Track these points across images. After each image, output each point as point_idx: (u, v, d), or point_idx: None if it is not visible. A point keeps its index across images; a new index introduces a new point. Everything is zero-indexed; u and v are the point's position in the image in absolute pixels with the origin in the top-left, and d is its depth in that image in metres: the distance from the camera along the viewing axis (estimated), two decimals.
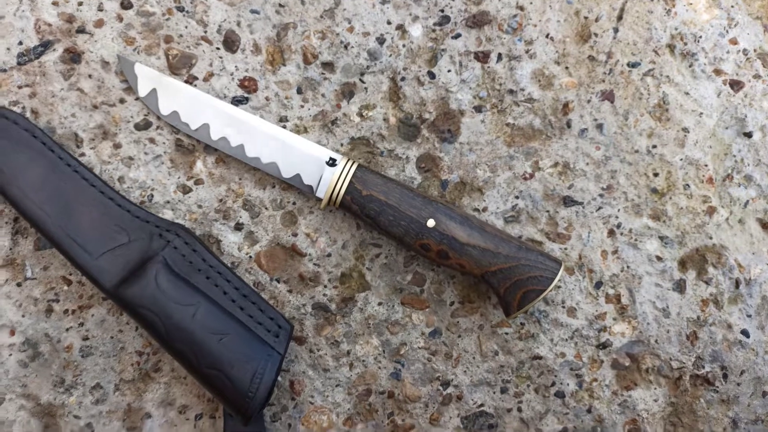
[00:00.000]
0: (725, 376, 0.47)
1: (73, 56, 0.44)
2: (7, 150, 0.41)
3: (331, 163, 0.42)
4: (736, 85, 0.48)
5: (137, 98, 0.44)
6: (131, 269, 0.41)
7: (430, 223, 0.41)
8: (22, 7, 0.44)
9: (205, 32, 0.45)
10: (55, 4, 0.44)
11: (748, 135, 0.48)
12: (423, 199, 0.42)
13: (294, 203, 0.45)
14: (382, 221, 0.41)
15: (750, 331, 0.47)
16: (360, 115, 0.46)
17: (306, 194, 0.45)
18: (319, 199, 0.44)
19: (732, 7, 0.48)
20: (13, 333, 0.44)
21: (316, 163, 0.43)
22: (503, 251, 0.41)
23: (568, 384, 0.46)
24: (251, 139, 0.43)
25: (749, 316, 0.47)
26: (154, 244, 0.41)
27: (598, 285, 0.47)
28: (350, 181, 0.42)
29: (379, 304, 0.46)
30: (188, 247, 0.42)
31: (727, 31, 0.48)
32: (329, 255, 0.45)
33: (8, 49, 0.44)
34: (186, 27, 0.45)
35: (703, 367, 0.47)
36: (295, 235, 0.45)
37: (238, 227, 0.45)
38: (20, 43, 0.44)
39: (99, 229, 0.41)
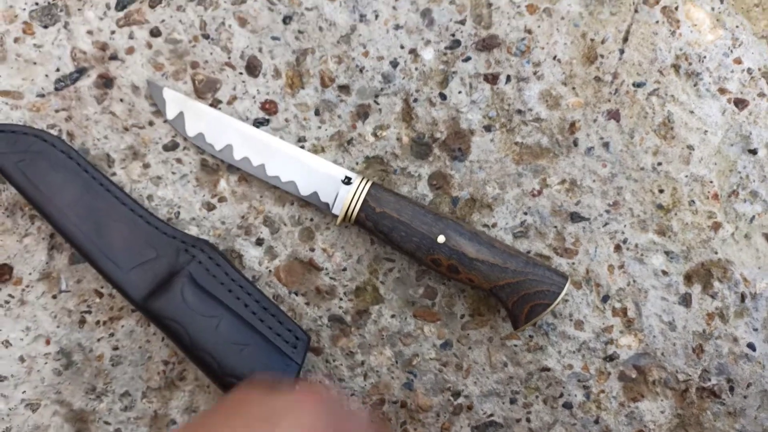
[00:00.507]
0: (732, 389, 0.48)
1: (106, 81, 0.47)
2: (45, 171, 0.44)
3: (347, 181, 0.45)
4: (740, 103, 0.49)
5: (165, 121, 0.47)
6: (159, 283, 0.43)
7: (441, 239, 0.43)
8: (59, 37, 0.47)
9: (229, 58, 0.48)
10: (89, 33, 0.47)
11: (753, 152, 0.49)
12: (434, 216, 0.44)
13: (311, 219, 0.48)
14: (395, 237, 0.43)
15: (756, 345, 0.48)
16: (374, 135, 0.48)
17: (323, 211, 0.47)
18: (335, 216, 0.47)
19: (737, 27, 0.50)
20: (48, 342, 0.46)
21: (333, 181, 0.45)
22: (511, 266, 0.43)
23: (575, 395, 0.48)
24: (271, 159, 0.45)
25: (755, 329, 0.48)
26: (180, 259, 0.44)
27: (605, 299, 0.48)
28: (365, 199, 0.44)
29: (392, 316, 0.48)
30: (212, 261, 0.44)
31: (732, 51, 0.49)
32: (344, 269, 0.48)
33: (46, 75, 0.47)
34: (211, 53, 0.48)
35: (710, 380, 0.48)
36: (312, 250, 0.48)
37: (259, 242, 0.47)
38: (57, 69, 0.47)
39: (129, 245, 0.44)
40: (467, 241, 0.43)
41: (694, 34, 0.49)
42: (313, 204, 0.46)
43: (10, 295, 0.46)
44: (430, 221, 0.44)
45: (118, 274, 0.43)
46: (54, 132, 0.47)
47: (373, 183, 0.44)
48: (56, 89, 0.47)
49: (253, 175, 0.46)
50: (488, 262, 0.43)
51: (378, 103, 0.48)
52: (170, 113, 0.46)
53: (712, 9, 0.49)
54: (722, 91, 0.49)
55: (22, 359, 0.46)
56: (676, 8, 0.49)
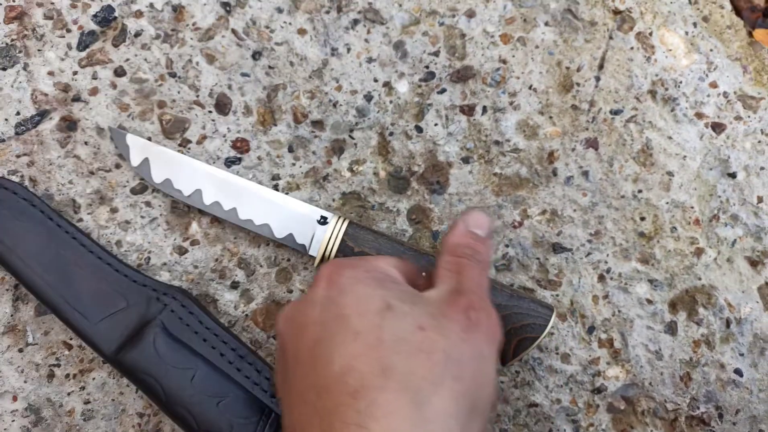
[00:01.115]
0: (720, 416, 0.48)
1: (69, 124, 0.46)
2: (7, 219, 0.42)
3: (323, 221, 0.43)
4: (717, 127, 0.49)
5: (130, 168, 0.45)
6: (129, 334, 0.41)
7: (425, 276, 0.42)
8: (19, 79, 0.45)
9: (197, 96, 0.46)
10: (51, 74, 0.46)
11: (732, 175, 0.49)
12: (414, 253, 0.43)
13: (288, 260, 0.46)
14: None
15: (743, 370, 0.48)
16: (350, 170, 0.47)
17: (300, 252, 0.46)
18: (313, 257, 0.45)
19: (711, 50, 0.49)
20: (15, 399, 0.44)
21: (308, 222, 0.43)
22: (495, 300, 0.42)
23: (564, 430, 0.47)
24: (243, 202, 0.44)
25: (741, 354, 0.48)
26: (152, 309, 0.42)
27: (591, 330, 0.47)
28: (342, 239, 0.42)
29: None
30: (185, 309, 0.42)
31: (707, 75, 0.49)
32: None
33: (6, 119, 0.45)
34: (179, 92, 0.46)
35: (698, 408, 0.47)
36: (290, 291, 0.46)
37: (234, 286, 0.46)
38: (18, 113, 0.45)
39: (98, 295, 0.42)
40: None
41: (669, 59, 0.49)
42: (289, 246, 0.45)
43: None
44: (411, 258, 0.42)
45: (87, 327, 0.42)
46: (16, 178, 0.45)
47: (350, 222, 0.43)
48: (17, 134, 0.45)
49: (226, 220, 0.45)
50: None
51: (353, 138, 0.47)
52: (135, 160, 0.44)
53: (686, 33, 0.49)
54: (699, 115, 0.49)
55: None
56: (650, 34, 0.48)
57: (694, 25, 0.49)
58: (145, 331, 0.41)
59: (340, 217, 0.43)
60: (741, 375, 0.48)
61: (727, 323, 0.48)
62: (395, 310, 0.31)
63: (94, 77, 0.46)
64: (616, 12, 0.48)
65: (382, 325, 0.31)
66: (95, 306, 0.42)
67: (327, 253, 0.42)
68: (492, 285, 0.42)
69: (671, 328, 0.48)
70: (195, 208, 0.46)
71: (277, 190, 0.46)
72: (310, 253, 0.43)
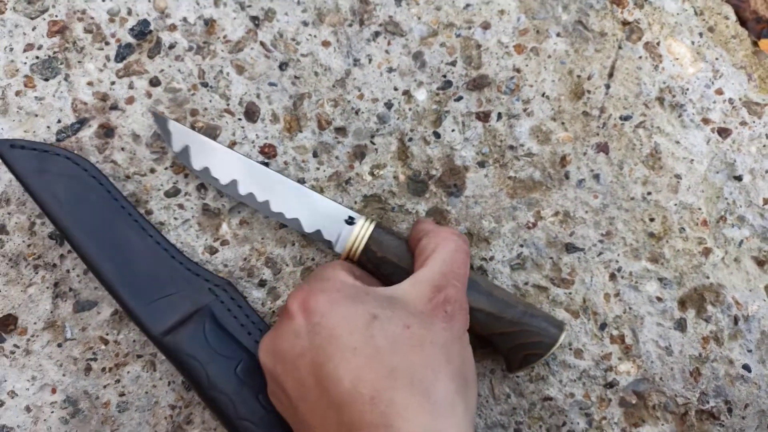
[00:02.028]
0: (730, 411, 0.49)
1: (107, 131, 0.48)
2: (76, 195, 0.44)
3: (350, 221, 0.45)
4: (723, 132, 0.51)
5: (171, 153, 0.47)
6: (180, 318, 0.43)
7: None
8: (60, 89, 0.48)
9: (228, 105, 0.49)
10: (90, 84, 0.48)
11: (738, 178, 0.51)
12: None
13: (313, 259, 0.48)
14: (395, 281, 0.44)
15: (751, 366, 0.49)
16: (371, 174, 0.49)
17: (324, 250, 0.48)
18: (338, 254, 0.47)
19: (716, 59, 0.52)
20: (54, 391, 0.47)
21: (336, 220, 0.46)
22: (507, 316, 0.44)
23: (578, 423, 0.49)
24: (276, 196, 0.46)
25: (750, 351, 0.49)
26: (203, 297, 0.44)
27: (603, 327, 0.49)
28: (366, 243, 0.44)
29: None
30: (234, 302, 0.45)
31: (713, 83, 0.51)
32: None
33: (48, 127, 0.48)
34: (210, 101, 0.49)
35: (708, 402, 0.49)
36: None
37: (262, 284, 0.48)
38: (59, 121, 0.48)
39: (153, 277, 0.44)
40: (466, 290, 0.43)
41: (676, 67, 0.51)
42: (316, 241, 0.47)
43: (15, 345, 0.47)
44: None
45: (139, 306, 0.43)
46: None
47: (376, 225, 0.45)
48: (58, 140, 0.48)
49: (258, 213, 0.47)
50: (485, 312, 0.43)
51: (374, 144, 0.49)
52: (176, 146, 0.46)
53: (692, 43, 0.51)
54: (706, 121, 0.51)
55: (28, 409, 0.47)
56: (658, 44, 0.51)
57: (700, 35, 0.51)
58: (195, 317, 0.43)
59: (367, 220, 0.45)
60: (749, 370, 0.49)
61: (735, 320, 0.50)
62: (380, 317, 0.35)
63: (131, 87, 0.49)
64: (625, 23, 0.51)
65: (373, 334, 0.34)
66: (149, 287, 0.44)
67: (352, 253, 0.44)
68: (507, 300, 0.44)
69: (681, 325, 0.49)
70: (225, 209, 0.48)
71: None
72: (336, 249, 0.46)
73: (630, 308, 0.49)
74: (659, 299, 0.49)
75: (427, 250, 0.40)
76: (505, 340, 0.44)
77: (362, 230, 0.44)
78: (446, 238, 0.41)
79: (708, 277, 0.50)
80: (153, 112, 0.47)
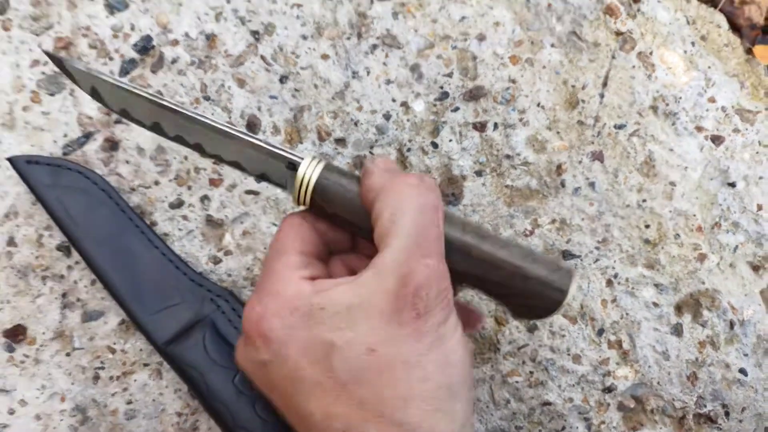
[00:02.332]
0: (727, 414, 0.50)
1: (112, 145, 0.49)
2: (86, 207, 0.46)
3: (291, 166, 0.37)
4: (717, 139, 0.52)
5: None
6: (182, 328, 0.45)
7: None
8: (66, 103, 0.50)
9: (230, 117, 0.50)
10: None
11: (732, 185, 0.51)
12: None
13: None
14: (363, 238, 0.36)
15: (748, 370, 0.50)
16: None
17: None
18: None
19: (709, 67, 0.52)
20: (63, 400, 0.48)
21: (276, 165, 0.37)
22: (505, 264, 0.35)
23: (577, 427, 0.49)
24: (206, 138, 0.38)
25: (746, 355, 0.50)
26: (205, 308, 0.45)
27: (600, 332, 0.50)
28: (312, 194, 0.36)
29: None
30: (234, 312, 0.46)
31: (706, 91, 0.52)
32: None
33: (54, 141, 0.49)
34: (213, 113, 0.50)
35: (705, 406, 0.50)
36: None
37: None
38: (65, 135, 0.49)
39: (157, 288, 0.46)
40: (469, 239, 0.35)
41: (669, 76, 0.52)
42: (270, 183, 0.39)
43: (25, 355, 0.48)
44: None
45: (144, 316, 0.45)
46: None
47: (324, 168, 0.36)
48: (64, 154, 0.49)
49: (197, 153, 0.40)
50: (477, 259, 0.35)
51: (373, 154, 0.50)
52: (86, 87, 0.39)
53: (685, 52, 0.52)
54: (699, 128, 0.51)
55: (38, 417, 0.48)
56: (651, 53, 0.52)
57: (693, 44, 0.52)
58: (197, 327, 0.45)
59: (313, 161, 0.36)
60: (746, 374, 0.50)
61: (731, 325, 0.50)
62: (337, 344, 0.31)
63: None
64: (618, 33, 0.52)
65: (334, 367, 0.31)
66: (154, 298, 0.45)
67: (301, 202, 0.36)
68: (501, 245, 0.35)
69: (677, 330, 0.50)
70: (228, 219, 0.49)
71: None
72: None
73: (627, 314, 0.50)
74: (656, 305, 0.50)
75: (384, 220, 0.32)
76: (503, 292, 0.36)
77: (306, 179, 0.35)
78: (404, 196, 0.32)
79: (703, 283, 0.51)
80: (47, 53, 0.40)
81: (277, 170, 0.37)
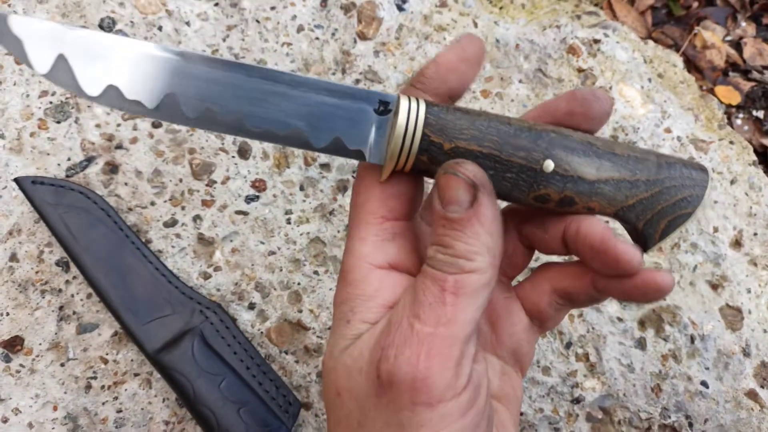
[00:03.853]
0: (690, 425, 0.52)
1: (112, 168, 0.53)
2: (86, 225, 0.50)
3: (383, 110, 0.29)
4: None
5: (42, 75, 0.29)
6: (172, 337, 0.48)
7: (548, 165, 0.30)
8: (71, 130, 0.54)
9: (223, 144, 0.54)
10: (97, 126, 0.54)
11: None
12: (531, 133, 0.31)
13: (299, 284, 0.53)
14: None
15: (709, 382, 0.53)
16: None
17: (309, 275, 0.52)
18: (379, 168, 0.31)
19: (665, 101, 0.57)
20: (56, 408, 0.50)
21: (361, 113, 0.29)
22: (642, 177, 0.32)
23: None
24: (255, 104, 0.29)
25: (707, 368, 0.53)
26: (194, 319, 0.49)
27: (568, 345, 0.53)
28: (423, 133, 0.29)
29: None
30: (222, 324, 0.49)
31: (662, 122, 0.57)
32: (329, 328, 0.52)
33: (59, 164, 0.53)
34: (207, 140, 0.54)
35: (669, 417, 0.52)
36: (300, 311, 0.52)
37: (251, 306, 0.52)
38: (69, 159, 0.53)
39: (150, 300, 0.49)
40: (583, 158, 0.31)
41: (628, 108, 0.56)
42: (336, 156, 0.31)
43: (21, 365, 0.50)
44: (528, 143, 0.30)
45: (136, 326, 0.48)
46: None
47: (428, 104, 0.30)
48: (67, 176, 0.53)
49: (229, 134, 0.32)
50: (613, 180, 0.31)
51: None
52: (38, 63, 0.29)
53: (642, 87, 0.57)
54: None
55: (30, 425, 0.50)
56: (610, 88, 0.56)
57: (649, 80, 0.57)
58: (186, 336, 0.47)
59: (410, 98, 0.29)
60: (707, 387, 0.53)
61: (692, 339, 0.53)
62: None
63: (135, 128, 0.54)
64: (580, 70, 0.57)
65: None
66: (146, 309, 0.48)
67: (399, 165, 0.30)
68: (635, 156, 0.31)
69: (641, 344, 0.53)
70: (218, 237, 0.52)
71: (289, 223, 0.53)
72: (371, 160, 0.30)
73: (593, 328, 0.53)
74: (620, 319, 0.53)
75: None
76: (640, 211, 0.32)
77: (412, 118, 0.29)
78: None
79: (665, 299, 0.54)
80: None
81: (355, 124, 0.30)
